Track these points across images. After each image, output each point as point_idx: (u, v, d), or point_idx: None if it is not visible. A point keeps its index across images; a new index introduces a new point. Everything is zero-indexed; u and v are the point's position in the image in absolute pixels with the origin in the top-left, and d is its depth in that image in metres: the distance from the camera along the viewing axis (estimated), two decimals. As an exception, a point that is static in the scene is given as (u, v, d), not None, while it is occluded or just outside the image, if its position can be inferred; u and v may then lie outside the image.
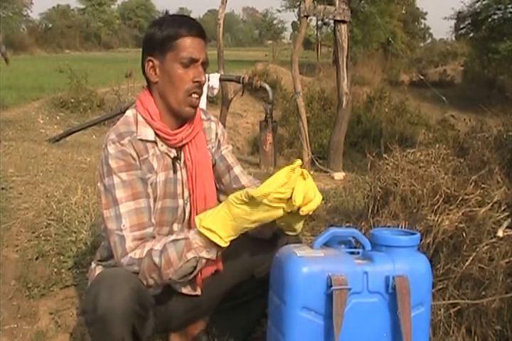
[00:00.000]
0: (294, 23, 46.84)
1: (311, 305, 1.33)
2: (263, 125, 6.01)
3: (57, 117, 8.34)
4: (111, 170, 1.46)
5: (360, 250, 1.42)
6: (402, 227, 2.01)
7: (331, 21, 6.68)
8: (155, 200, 1.53)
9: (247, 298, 1.72)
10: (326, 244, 1.42)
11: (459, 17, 20.36)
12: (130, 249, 1.41)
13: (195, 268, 1.39)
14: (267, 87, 5.97)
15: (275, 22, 76.46)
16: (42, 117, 8.09)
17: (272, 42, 49.11)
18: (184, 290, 1.59)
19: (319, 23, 27.07)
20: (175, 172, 1.58)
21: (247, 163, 6.26)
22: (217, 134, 1.70)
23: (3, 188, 3.29)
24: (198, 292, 1.61)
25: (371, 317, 1.36)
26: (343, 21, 5.50)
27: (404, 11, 27.05)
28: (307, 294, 1.33)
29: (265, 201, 1.29)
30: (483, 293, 1.74)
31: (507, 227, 1.85)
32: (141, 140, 1.52)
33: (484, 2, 18.26)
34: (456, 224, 1.91)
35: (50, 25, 46.91)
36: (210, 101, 7.26)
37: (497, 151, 2.13)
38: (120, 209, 1.44)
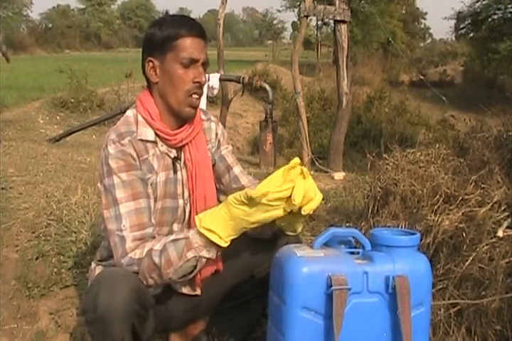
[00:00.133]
0: (294, 23, 46.85)
1: (311, 305, 1.33)
2: (263, 125, 6.01)
3: (57, 117, 8.34)
4: (111, 170, 1.46)
5: (360, 250, 1.42)
6: (402, 227, 2.01)
7: (331, 21, 6.69)
8: (155, 200, 1.53)
9: (247, 298, 1.72)
10: (326, 244, 1.42)
11: (459, 17, 20.37)
12: (130, 249, 1.41)
13: (195, 267, 1.39)
14: (267, 87, 5.97)
15: (275, 22, 76.50)
16: (42, 117, 8.09)
17: (272, 42, 49.12)
18: (184, 290, 1.59)
19: (319, 23, 27.09)
20: (175, 172, 1.58)
21: (247, 163, 6.26)
22: (217, 134, 1.70)
23: (3, 188, 3.29)
24: (198, 292, 1.61)
25: (371, 317, 1.36)
26: (343, 21, 5.50)
27: (404, 11, 27.06)
28: (307, 294, 1.33)
29: (264, 201, 1.29)
30: (483, 293, 1.74)
31: (507, 227, 1.85)
32: (142, 140, 1.52)
33: (484, 2, 18.27)
34: (456, 224, 1.91)
35: (50, 25, 46.91)
36: (210, 101, 7.26)
37: (497, 151, 2.13)
38: (120, 210, 1.44)
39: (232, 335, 1.77)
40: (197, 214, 1.54)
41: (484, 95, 13.75)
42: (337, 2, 5.46)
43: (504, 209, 1.90)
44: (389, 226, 1.99)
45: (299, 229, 1.46)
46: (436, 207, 2.00)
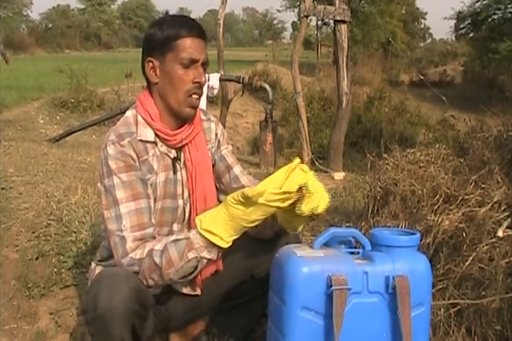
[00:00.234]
0: (294, 23, 46.87)
1: (311, 305, 1.33)
2: (263, 125, 6.00)
3: (57, 117, 8.33)
4: (111, 170, 1.46)
5: (360, 250, 1.42)
6: (402, 227, 2.01)
7: (331, 21, 6.69)
8: (155, 201, 1.53)
9: (247, 298, 1.72)
10: (326, 244, 1.42)
11: (459, 17, 20.38)
12: (130, 249, 1.41)
13: (195, 268, 1.38)
14: (267, 87, 5.97)
15: (275, 22, 76.53)
16: (42, 117, 8.09)
17: (272, 42, 49.14)
18: (184, 290, 1.59)
19: (319, 23, 27.12)
20: (175, 172, 1.58)
21: (247, 163, 6.26)
22: (216, 134, 1.70)
23: (3, 188, 3.29)
24: (198, 292, 1.61)
25: (371, 317, 1.36)
26: (343, 21, 5.50)
27: (404, 11, 27.06)
28: (307, 294, 1.32)
29: (262, 201, 1.28)
30: (483, 293, 1.74)
31: (507, 227, 1.85)
32: (141, 141, 1.52)
33: (484, 2, 18.28)
34: (456, 224, 1.91)
35: (50, 25, 46.96)
36: (210, 101, 7.26)
37: (497, 151, 2.14)
38: (120, 210, 1.44)
39: (232, 335, 1.77)
40: (197, 214, 1.54)
41: (484, 95, 13.75)
42: (337, 2, 5.46)
43: (504, 209, 1.90)
44: (389, 226, 1.99)
45: (300, 228, 1.46)
46: (436, 207, 2.00)
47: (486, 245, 1.81)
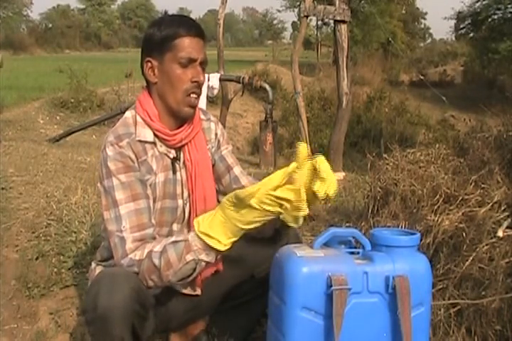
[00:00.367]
0: (294, 23, 46.90)
1: (311, 305, 1.33)
2: (263, 125, 6.00)
3: (57, 117, 8.34)
4: (110, 172, 1.46)
5: (360, 250, 1.42)
6: (402, 227, 2.01)
7: (331, 21, 6.69)
8: (154, 201, 1.53)
9: (247, 298, 1.72)
10: (326, 244, 1.42)
11: (459, 17, 20.38)
12: (130, 250, 1.41)
13: (194, 270, 1.38)
14: (267, 87, 5.97)
15: (275, 22, 76.55)
16: (42, 117, 8.09)
17: (272, 42, 49.12)
18: (184, 290, 1.59)
19: (319, 23, 27.14)
20: (174, 172, 1.57)
21: (247, 163, 6.26)
22: (216, 134, 1.69)
23: (3, 188, 3.29)
24: (198, 292, 1.61)
25: (371, 317, 1.36)
26: (343, 21, 5.50)
27: (404, 11, 27.06)
28: (307, 294, 1.32)
29: (253, 203, 1.27)
30: (483, 293, 1.74)
31: (507, 227, 1.85)
32: (140, 141, 1.51)
33: (484, 2, 18.29)
34: (456, 224, 1.91)
35: (50, 25, 47.00)
36: (210, 101, 7.26)
37: (497, 151, 2.14)
38: (120, 211, 1.44)
39: (232, 335, 1.77)
40: (197, 213, 1.54)
41: (484, 95, 13.75)
42: (337, 2, 5.46)
43: (504, 209, 1.90)
44: (389, 226, 1.99)
45: (301, 221, 1.43)
46: (436, 207, 2.00)
47: (486, 245, 1.81)
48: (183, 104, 1.52)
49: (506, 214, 1.89)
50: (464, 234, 1.85)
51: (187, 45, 1.49)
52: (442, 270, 1.84)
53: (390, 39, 17.59)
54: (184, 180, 1.59)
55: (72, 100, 8.69)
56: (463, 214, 1.93)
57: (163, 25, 1.50)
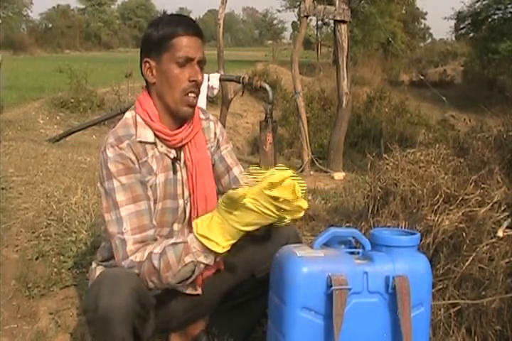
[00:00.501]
0: (294, 23, 46.91)
1: (311, 305, 1.33)
2: (263, 125, 5.99)
3: (57, 117, 8.33)
4: (110, 173, 1.46)
5: (360, 250, 1.42)
6: (402, 227, 2.01)
7: (331, 21, 6.70)
8: (155, 202, 1.53)
9: (247, 298, 1.72)
10: (326, 244, 1.42)
11: (459, 17, 20.37)
12: (131, 252, 1.41)
13: (193, 272, 1.38)
14: (267, 87, 5.96)
15: (275, 22, 76.51)
16: (42, 117, 8.09)
17: (272, 42, 49.07)
18: (185, 290, 1.59)
19: (319, 23, 27.13)
20: (175, 173, 1.57)
21: (247, 163, 6.25)
22: (215, 134, 1.69)
23: (3, 188, 3.29)
24: (199, 291, 1.61)
25: (371, 317, 1.36)
26: (343, 21, 5.51)
27: (404, 11, 27.04)
28: (307, 294, 1.32)
29: (249, 205, 1.27)
30: (483, 293, 1.74)
31: (507, 227, 1.85)
32: (140, 142, 1.51)
33: (484, 2, 18.28)
34: (456, 224, 1.91)
35: (50, 25, 47.00)
36: (210, 101, 7.25)
37: (497, 151, 2.13)
38: (121, 213, 1.44)
39: (232, 335, 1.77)
40: (198, 213, 1.54)
41: (484, 95, 13.75)
42: (337, 2, 5.47)
43: (504, 209, 1.90)
44: (389, 226, 1.99)
45: (288, 220, 1.42)
46: (436, 207, 2.00)
47: (486, 245, 1.81)
48: (182, 103, 1.52)
49: (506, 214, 1.89)
50: (464, 234, 1.85)
51: (184, 45, 1.49)
52: (442, 270, 1.84)
53: (390, 39, 17.58)
54: (185, 180, 1.59)
55: (72, 100, 8.68)
56: (463, 214, 1.93)
57: (161, 25, 1.50)
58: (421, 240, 1.74)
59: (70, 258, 2.39)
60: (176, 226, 1.60)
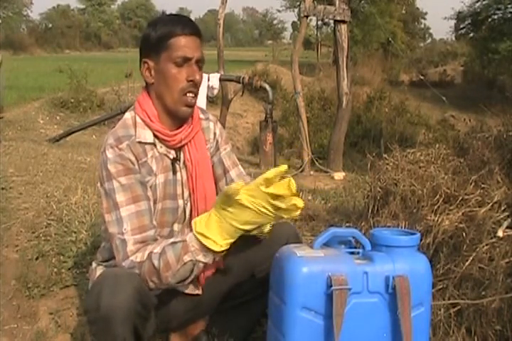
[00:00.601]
0: (294, 23, 46.91)
1: (311, 305, 1.33)
2: (263, 125, 6.01)
3: (57, 117, 8.34)
4: (110, 174, 1.46)
5: (360, 250, 1.42)
6: (402, 227, 2.01)
7: (331, 21, 6.70)
8: (155, 202, 1.53)
9: (247, 297, 1.72)
10: (326, 244, 1.42)
11: (459, 17, 20.38)
12: (131, 252, 1.41)
13: (192, 271, 1.38)
14: (267, 87, 5.97)
15: (275, 22, 76.48)
16: (42, 117, 8.10)
17: (272, 42, 49.06)
18: (186, 290, 1.59)
19: (319, 23, 27.15)
20: (174, 173, 1.57)
21: (247, 163, 6.27)
22: (215, 134, 1.69)
23: (3, 188, 3.29)
24: (199, 291, 1.61)
25: (371, 317, 1.36)
26: (343, 21, 5.51)
27: (404, 11, 27.05)
28: (307, 294, 1.33)
29: (245, 202, 1.28)
30: (483, 293, 1.74)
31: (507, 227, 1.85)
32: (140, 142, 1.51)
33: (484, 2, 18.29)
34: (456, 224, 1.91)
35: (50, 25, 47.00)
36: (210, 101, 7.26)
37: (497, 151, 2.13)
38: (121, 213, 1.44)
39: (232, 335, 1.77)
40: (198, 213, 1.54)
41: (484, 95, 13.76)
42: (337, 2, 5.47)
43: (504, 209, 1.90)
44: (389, 226, 1.99)
45: (267, 230, 1.43)
46: (436, 207, 2.00)
47: (486, 245, 1.81)
48: (180, 103, 1.52)
49: (506, 214, 1.89)
50: (464, 234, 1.85)
51: (182, 44, 1.49)
52: (442, 270, 1.84)
53: (390, 39, 17.60)
54: (184, 180, 1.59)
55: (72, 100, 8.69)
56: (463, 214, 1.93)
57: (159, 26, 1.51)
58: (421, 240, 1.74)
59: (70, 258, 2.39)
60: (176, 227, 1.60)
